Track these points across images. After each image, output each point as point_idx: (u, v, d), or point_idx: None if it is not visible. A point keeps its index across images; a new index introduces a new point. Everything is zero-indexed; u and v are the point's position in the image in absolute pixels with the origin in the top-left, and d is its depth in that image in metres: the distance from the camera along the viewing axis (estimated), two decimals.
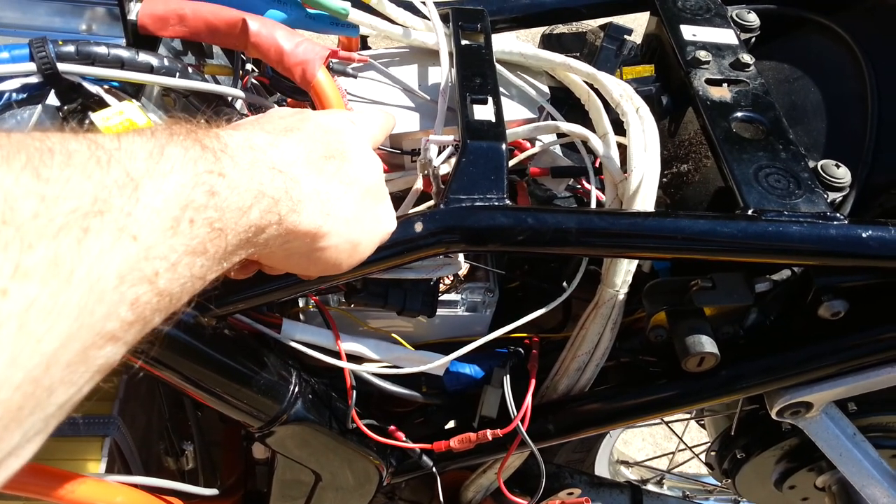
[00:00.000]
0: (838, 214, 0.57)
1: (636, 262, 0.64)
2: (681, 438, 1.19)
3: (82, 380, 0.26)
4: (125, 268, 0.27)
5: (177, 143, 0.31)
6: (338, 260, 0.44)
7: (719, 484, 1.16)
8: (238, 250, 0.35)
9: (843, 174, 0.61)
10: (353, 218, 0.44)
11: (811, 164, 0.62)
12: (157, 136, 0.31)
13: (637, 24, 0.80)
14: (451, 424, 0.82)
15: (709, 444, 1.03)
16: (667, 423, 1.22)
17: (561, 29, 0.83)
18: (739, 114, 0.65)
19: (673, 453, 1.32)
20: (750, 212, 0.57)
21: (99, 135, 0.29)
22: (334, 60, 0.71)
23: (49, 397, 0.24)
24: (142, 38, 0.65)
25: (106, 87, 0.62)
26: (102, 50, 0.61)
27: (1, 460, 0.23)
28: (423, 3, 0.73)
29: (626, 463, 1.26)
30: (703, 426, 1.24)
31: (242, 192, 0.34)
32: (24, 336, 0.22)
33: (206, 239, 0.31)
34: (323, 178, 0.41)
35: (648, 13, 0.80)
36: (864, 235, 0.55)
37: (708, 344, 0.61)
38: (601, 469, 1.13)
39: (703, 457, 1.11)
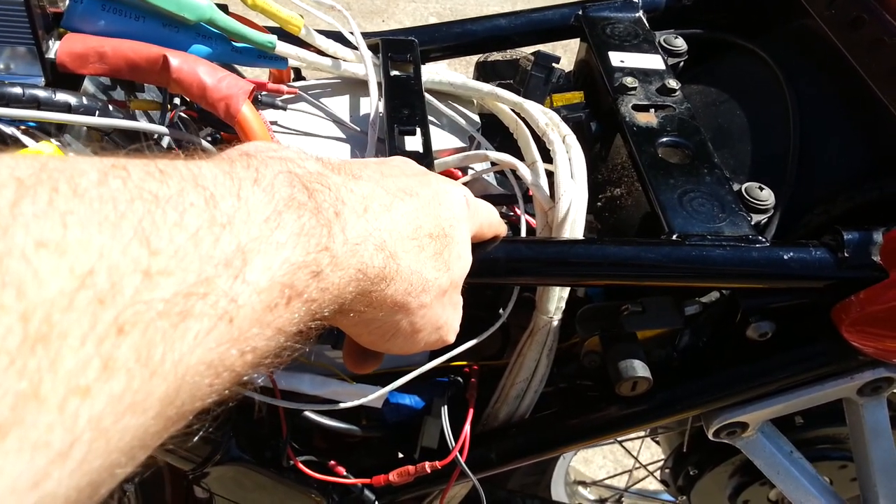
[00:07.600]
0: (760, 237, 0.58)
1: (569, 288, 0.64)
2: (635, 457, 1.20)
3: (131, 467, 0.23)
4: (214, 356, 0.24)
5: (293, 206, 0.29)
6: (390, 342, 0.41)
7: (676, 501, 1.16)
8: (316, 323, 0.32)
9: (767, 196, 0.62)
10: (428, 306, 0.40)
11: (736, 187, 0.63)
12: (276, 193, 0.28)
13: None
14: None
15: (663, 461, 1.04)
16: (620, 442, 1.22)
17: (495, 56, 0.84)
18: (665, 139, 0.66)
19: (630, 471, 1.32)
20: (674, 237, 0.58)
21: (219, 185, 0.26)
22: (263, 93, 0.70)
23: (99, 491, 0.22)
24: (63, 77, 0.64)
25: (23, 127, 0.61)
26: (17, 90, 0.60)
27: None
28: (352, 33, 0.73)
29: (583, 483, 1.25)
30: (657, 443, 1.25)
31: (344, 272, 0.31)
32: (96, 444, 0.20)
33: (297, 321, 0.29)
34: (420, 259, 0.38)
35: (579, 40, 0.80)
36: (785, 257, 0.56)
37: (640, 368, 0.61)
38: (558, 491, 1.12)
39: (657, 474, 1.11)
